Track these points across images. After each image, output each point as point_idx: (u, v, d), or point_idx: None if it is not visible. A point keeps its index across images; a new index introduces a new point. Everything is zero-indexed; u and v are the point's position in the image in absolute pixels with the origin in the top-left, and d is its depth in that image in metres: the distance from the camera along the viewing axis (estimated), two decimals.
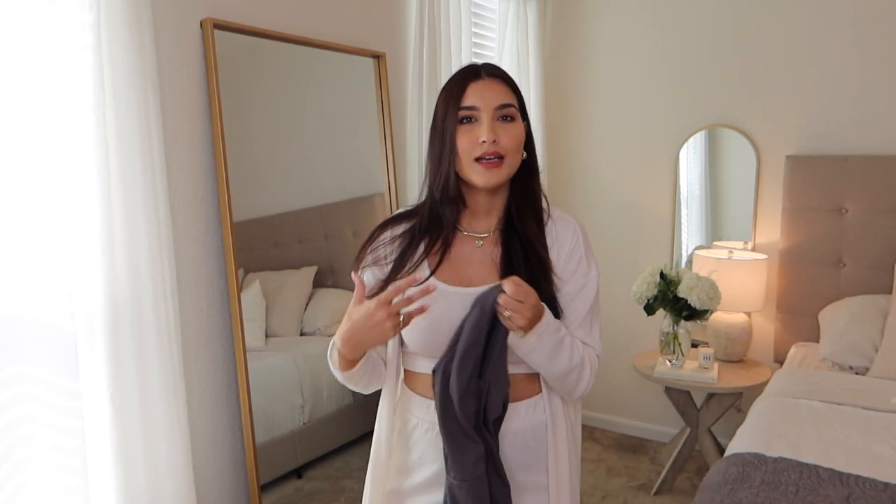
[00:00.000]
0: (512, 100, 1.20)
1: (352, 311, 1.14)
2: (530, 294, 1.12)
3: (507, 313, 1.11)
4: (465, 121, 1.18)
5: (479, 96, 1.17)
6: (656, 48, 3.24)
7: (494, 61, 3.07)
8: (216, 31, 1.84)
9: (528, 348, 1.15)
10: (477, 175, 1.18)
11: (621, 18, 3.31)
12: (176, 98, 1.79)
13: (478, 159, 1.17)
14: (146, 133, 1.58)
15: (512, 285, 1.10)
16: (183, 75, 1.80)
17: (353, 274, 1.19)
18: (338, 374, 1.25)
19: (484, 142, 1.16)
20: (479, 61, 1.28)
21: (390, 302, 1.09)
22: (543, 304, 1.16)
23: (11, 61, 1.40)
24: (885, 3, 2.74)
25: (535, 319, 1.13)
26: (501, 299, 1.10)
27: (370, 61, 2.40)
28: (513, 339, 1.15)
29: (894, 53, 2.74)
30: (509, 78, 1.23)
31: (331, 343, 1.24)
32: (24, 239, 1.44)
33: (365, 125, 2.41)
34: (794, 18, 2.92)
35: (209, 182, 1.88)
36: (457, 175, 1.21)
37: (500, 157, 1.17)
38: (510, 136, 1.18)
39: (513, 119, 1.19)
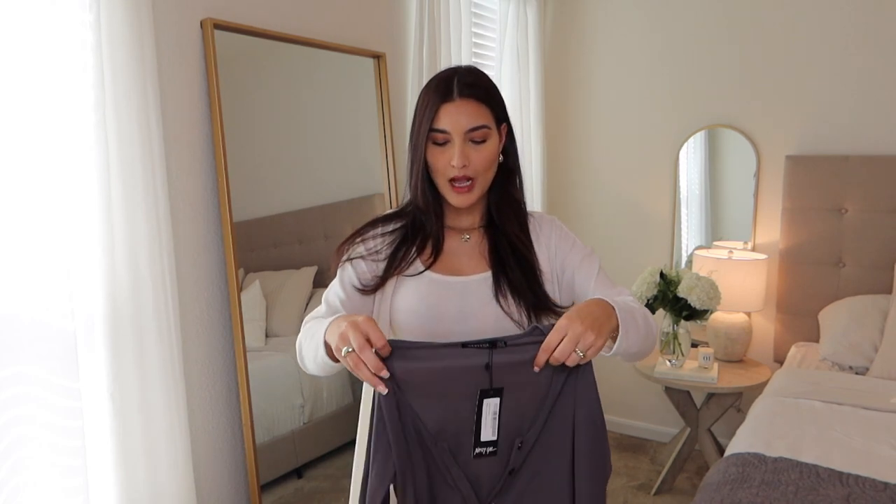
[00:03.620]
0: (485, 119, 1.20)
1: (358, 323, 1.01)
2: (565, 326, 1.02)
3: (580, 353, 1.00)
4: (439, 142, 1.21)
5: (450, 120, 1.19)
6: (656, 48, 3.24)
7: (494, 61, 3.07)
8: (216, 31, 1.84)
9: (624, 346, 1.09)
10: (451, 196, 1.24)
11: (621, 18, 3.31)
12: (176, 98, 1.79)
13: (451, 180, 1.22)
14: (146, 133, 1.58)
15: (542, 352, 1.02)
16: (183, 75, 1.80)
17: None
18: (315, 365, 1.17)
19: (454, 166, 1.20)
20: (472, 62, 1.29)
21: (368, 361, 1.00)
22: (602, 299, 1.09)
23: (11, 61, 1.40)
24: (885, 3, 2.74)
25: (605, 321, 1.05)
26: (559, 354, 1.00)
27: (370, 61, 2.39)
28: (605, 352, 1.09)
29: (894, 53, 2.75)
30: (484, 92, 1.21)
31: (304, 339, 1.19)
32: (24, 239, 1.44)
33: (365, 125, 2.41)
34: (794, 18, 2.92)
35: (209, 182, 1.88)
36: (430, 187, 1.26)
37: (472, 180, 1.21)
38: (481, 158, 1.21)
39: (484, 140, 1.21)
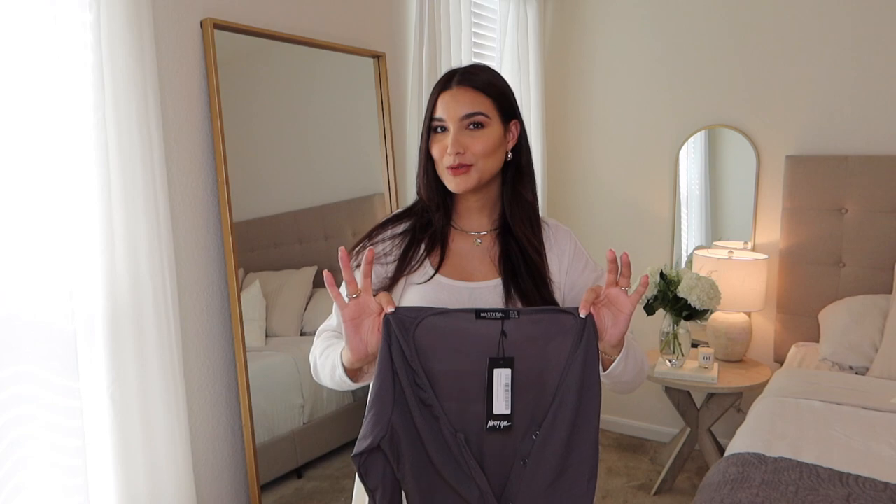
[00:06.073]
0: (482, 107, 1.20)
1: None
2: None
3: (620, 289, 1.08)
4: (438, 130, 1.22)
5: (445, 108, 1.21)
6: (656, 48, 3.24)
7: (495, 61, 3.07)
8: (216, 31, 1.84)
9: (619, 370, 1.13)
10: (449, 182, 1.23)
11: (621, 18, 3.31)
12: (176, 98, 1.79)
13: (448, 167, 1.22)
14: (146, 133, 1.58)
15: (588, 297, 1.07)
16: (183, 75, 1.80)
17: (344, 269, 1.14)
18: (332, 384, 1.22)
19: (449, 153, 1.20)
20: (472, 62, 1.30)
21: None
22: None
23: (11, 61, 1.40)
24: (884, 3, 2.74)
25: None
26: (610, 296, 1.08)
27: (370, 61, 2.39)
28: (602, 372, 1.11)
29: (894, 53, 2.75)
30: (484, 83, 1.22)
31: (319, 355, 1.23)
32: (24, 239, 1.44)
33: (365, 125, 2.41)
34: (793, 18, 2.92)
35: (209, 182, 1.88)
36: (435, 179, 1.26)
37: (469, 165, 1.20)
38: (478, 143, 1.20)
39: (482, 126, 1.20)
